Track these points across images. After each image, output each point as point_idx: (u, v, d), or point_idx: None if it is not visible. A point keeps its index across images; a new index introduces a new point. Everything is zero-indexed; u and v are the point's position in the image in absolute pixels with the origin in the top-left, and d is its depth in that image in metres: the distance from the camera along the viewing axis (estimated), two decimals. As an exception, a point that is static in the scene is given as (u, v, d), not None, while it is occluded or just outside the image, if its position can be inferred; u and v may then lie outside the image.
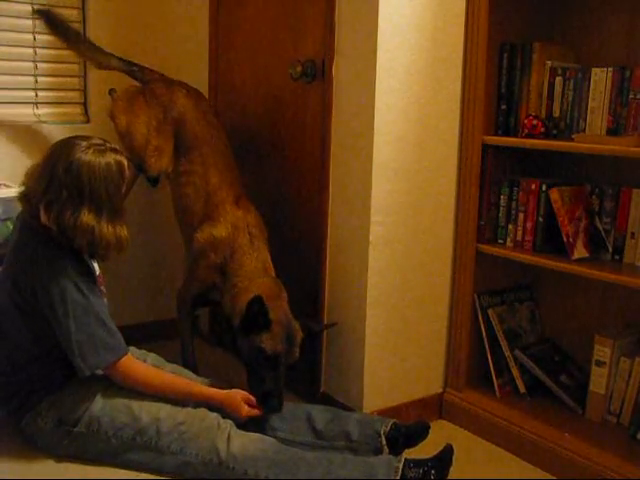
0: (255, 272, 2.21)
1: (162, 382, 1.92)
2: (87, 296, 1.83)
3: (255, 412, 1.96)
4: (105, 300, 2.01)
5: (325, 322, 2.42)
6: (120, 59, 2.50)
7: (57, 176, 1.81)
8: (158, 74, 2.51)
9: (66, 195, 1.80)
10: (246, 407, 1.95)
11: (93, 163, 1.81)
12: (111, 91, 2.48)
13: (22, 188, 1.92)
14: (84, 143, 1.84)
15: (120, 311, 2.37)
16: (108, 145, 1.88)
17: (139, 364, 1.94)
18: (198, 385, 1.99)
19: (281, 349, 2.04)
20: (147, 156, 2.36)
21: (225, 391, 1.97)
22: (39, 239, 1.85)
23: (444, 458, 1.89)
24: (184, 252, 2.49)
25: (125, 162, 1.89)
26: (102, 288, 2.02)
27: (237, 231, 2.26)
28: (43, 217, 1.82)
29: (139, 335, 2.73)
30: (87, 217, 1.80)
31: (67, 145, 1.85)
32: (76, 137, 1.90)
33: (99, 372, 1.88)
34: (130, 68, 2.50)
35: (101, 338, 1.83)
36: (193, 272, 2.35)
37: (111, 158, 1.85)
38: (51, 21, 2.47)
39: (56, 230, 1.81)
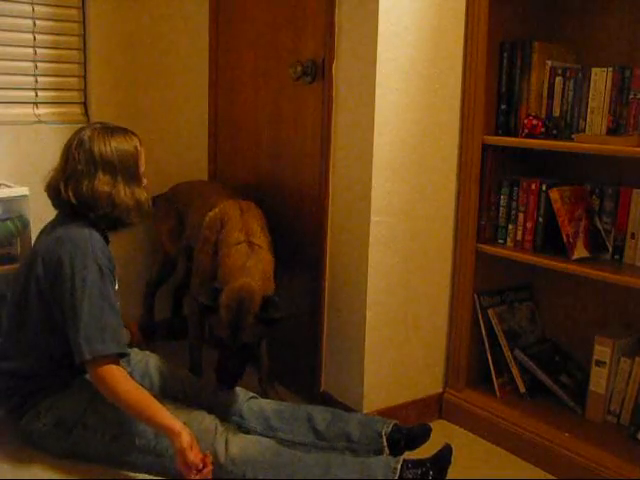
0: (234, 241, 2.19)
1: (135, 402, 1.79)
2: (107, 283, 1.84)
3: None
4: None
5: (283, 313, 2.13)
6: None
7: (71, 154, 1.90)
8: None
9: (81, 168, 1.88)
10: (190, 457, 1.72)
11: (102, 134, 1.92)
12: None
13: (47, 179, 1.97)
14: (94, 124, 1.99)
15: (122, 311, 2.37)
16: (117, 126, 2.00)
17: (128, 378, 1.83)
18: (163, 413, 1.79)
19: (223, 333, 2.01)
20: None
21: (175, 423, 1.77)
22: (73, 219, 1.90)
23: (442, 458, 1.89)
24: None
25: (135, 137, 1.98)
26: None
27: (228, 206, 2.32)
28: (64, 194, 1.88)
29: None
30: (102, 183, 1.88)
31: (79, 129, 1.96)
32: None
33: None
34: None
35: (111, 326, 1.82)
36: (196, 261, 2.36)
37: (120, 131, 1.96)
38: None
39: (76, 204, 1.88)
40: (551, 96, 2.31)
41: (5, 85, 2.57)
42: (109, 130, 1.94)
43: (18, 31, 2.55)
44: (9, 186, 2.37)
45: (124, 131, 1.97)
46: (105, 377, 1.80)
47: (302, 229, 2.50)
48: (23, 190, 2.32)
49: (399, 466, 1.81)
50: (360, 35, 2.18)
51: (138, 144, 1.97)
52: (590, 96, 2.19)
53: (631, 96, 2.09)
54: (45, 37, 2.60)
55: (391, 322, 2.33)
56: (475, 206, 2.36)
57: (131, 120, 2.74)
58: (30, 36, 2.58)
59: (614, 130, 2.14)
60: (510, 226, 2.37)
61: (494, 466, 2.21)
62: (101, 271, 1.83)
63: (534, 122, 2.26)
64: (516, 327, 2.52)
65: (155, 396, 1.90)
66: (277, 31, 2.54)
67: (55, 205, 1.96)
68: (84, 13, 2.68)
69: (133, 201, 1.92)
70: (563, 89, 2.27)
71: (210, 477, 1.73)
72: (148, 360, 2.15)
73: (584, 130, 2.22)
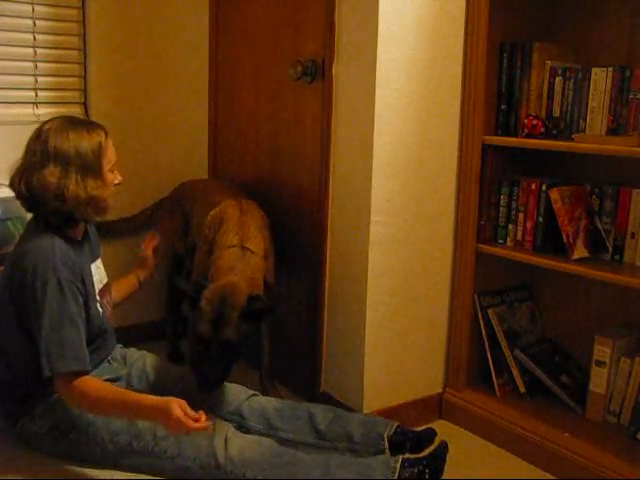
0: (227, 244, 2.18)
1: (112, 402, 1.77)
2: (67, 297, 1.78)
3: (191, 425, 1.67)
4: (108, 309, 2.00)
5: (266, 304, 2.10)
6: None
7: (29, 146, 1.85)
8: None
9: (35, 160, 1.82)
10: (180, 416, 1.66)
11: (62, 127, 1.84)
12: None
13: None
14: (58, 117, 1.90)
15: (122, 312, 2.37)
16: (83, 119, 1.93)
17: (95, 383, 1.79)
18: (144, 396, 1.79)
19: (204, 330, 1.97)
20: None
21: (158, 398, 1.75)
22: (38, 226, 1.86)
23: (438, 456, 1.89)
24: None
25: (102, 131, 1.89)
26: (104, 300, 2.00)
27: (228, 205, 2.32)
28: (17, 187, 1.83)
29: (139, 335, 2.74)
30: (51, 174, 1.80)
31: (43, 122, 1.89)
32: None
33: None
34: None
35: (71, 343, 1.77)
36: (195, 259, 2.35)
37: (83, 125, 1.88)
38: None
39: (29, 197, 1.82)
40: (551, 96, 2.31)
41: (5, 85, 2.57)
42: (71, 123, 1.86)
43: (18, 31, 2.55)
44: (9, 186, 2.37)
45: (89, 125, 1.89)
46: (70, 393, 1.77)
47: (302, 229, 2.50)
48: (23, 190, 2.32)
49: (398, 465, 1.81)
50: (360, 35, 2.18)
51: (103, 139, 1.87)
52: (590, 96, 2.19)
53: (631, 96, 2.09)
54: (45, 37, 2.60)
55: (391, 322, 2.33)
56: (475, 206, 2.36)
57: (131, 120, 2.75)
58: (30, 36, 2.58)
59: (614, 130, 2.15)
60: (510, 226, 2.37)
61: (494, 466, 2.21)
62: (60, 285, 1.77)
63: (534, 122, 2.26)
64: (516, 327, 2.52)
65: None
66: (277, 31, 2.55)
67: (21, 204, 1.90)
68: (84, 13, 2.68)
69: (86, 195, 1.81)
70: (563, 89, 2.27)
71: (208, 426, 1.70)
72: (145, 359, 2.14)
73: (584, 130, 2.22)
